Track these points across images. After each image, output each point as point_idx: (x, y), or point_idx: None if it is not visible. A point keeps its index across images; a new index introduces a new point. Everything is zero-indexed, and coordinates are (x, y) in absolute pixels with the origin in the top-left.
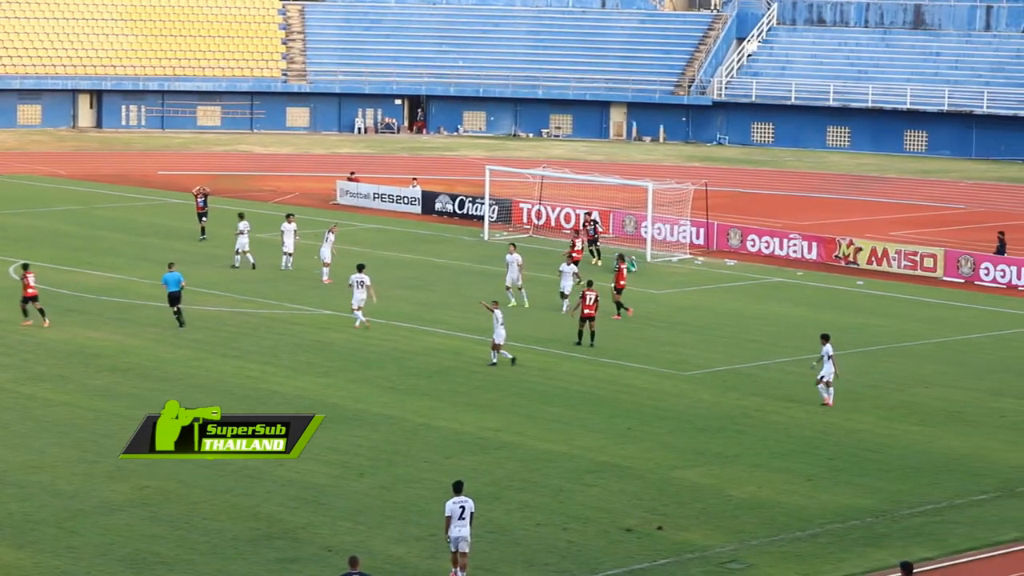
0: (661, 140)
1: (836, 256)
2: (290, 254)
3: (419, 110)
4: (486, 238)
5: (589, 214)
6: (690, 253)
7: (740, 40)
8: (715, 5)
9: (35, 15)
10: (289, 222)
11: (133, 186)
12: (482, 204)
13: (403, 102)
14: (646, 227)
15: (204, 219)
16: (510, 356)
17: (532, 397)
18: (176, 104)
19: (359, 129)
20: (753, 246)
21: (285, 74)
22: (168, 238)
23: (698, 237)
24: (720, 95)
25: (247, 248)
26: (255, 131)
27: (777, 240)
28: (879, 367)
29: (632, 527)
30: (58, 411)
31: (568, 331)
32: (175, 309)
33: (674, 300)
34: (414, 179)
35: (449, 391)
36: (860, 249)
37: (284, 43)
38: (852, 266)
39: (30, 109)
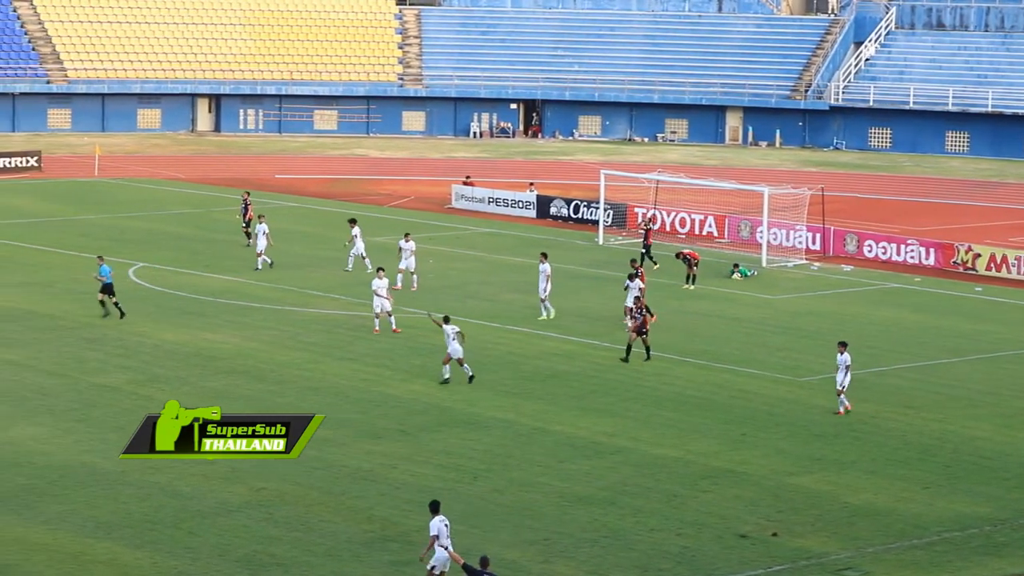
0: (777, 145)
1: (954, 262)
2: (364, 256)
3: (534, 114)
4: (601, 242)
5: (646, 214)
6: (806, 259)
7: (858, 44)
8: (833, 9)
9: (155, 20)
10: (260, 222)
11: (251, 190)
12: (597, 208)
13: (518, 106)
14: (762, 232)
15: (247, 225)
16: (470, 372)
17: (646, 402)
18: (293, 108)
19: (474, 133)
20: (870, 252)
21: (401, 78)
22: (285, 241)
23: (814, 242)
24: (837, 100)
25: (364, 252)
26: (371, 135)
27: (894, 246)
28: (998, 374)
29: (747, 533)
30: None
31: (684, 337)
32: (114, 300)
33: (790, 305)
34: (531, 183)
35: (563, 395)
36: (979, 255)
37: (400, 48)
38: (970, 272)
39: (150, 113)
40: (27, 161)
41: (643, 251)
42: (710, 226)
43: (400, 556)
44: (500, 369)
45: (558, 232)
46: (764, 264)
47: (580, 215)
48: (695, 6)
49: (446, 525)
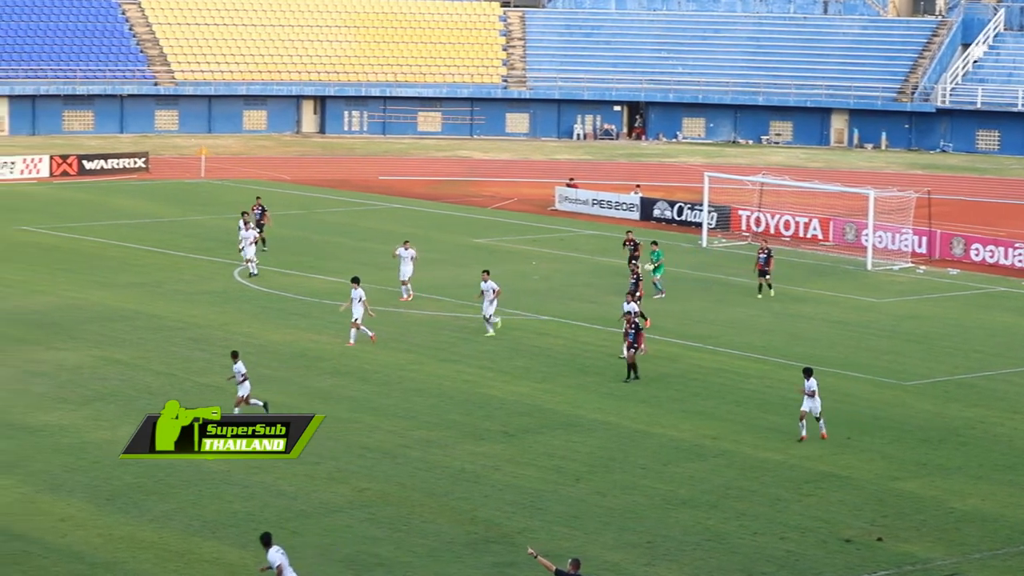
0: (883, 147)
1: None
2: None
3: (638, 116)
4: (704, 245)
5: (630, 233)
6: (912, 262)
7: (965, 46)
8: (940, 10)
9: (261, 23)
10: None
11: (354, 191)
12: (700, 211)
13: (622, 108)
14: (867, 235)
15: (261, 231)
16: (261, 403)
17: (750, 405)
18: (397, 110)
19: (578, 135)
20: (977, 255)
21: (505, 80)
22: (389, 243)
23: (920, 246)
24: (944, 102)
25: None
26: (475, 137)
27: (1002, 249)
28: None
29: (851, 538)
30: (280, 413)
31: (788, 340)
32: None
33: (895, 309)
34: (637, 186)
35: (667, 398)
36: None
37: (504, 49)
38: None
39: (256, 115)
40: (135, 162)
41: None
42: (815, 229)
43: (502, 558)
44: (603, 371)
45: (661, 234)
46: (869, 267)
47: (684, 217)
48: (800, 7)
49: (283, 555)
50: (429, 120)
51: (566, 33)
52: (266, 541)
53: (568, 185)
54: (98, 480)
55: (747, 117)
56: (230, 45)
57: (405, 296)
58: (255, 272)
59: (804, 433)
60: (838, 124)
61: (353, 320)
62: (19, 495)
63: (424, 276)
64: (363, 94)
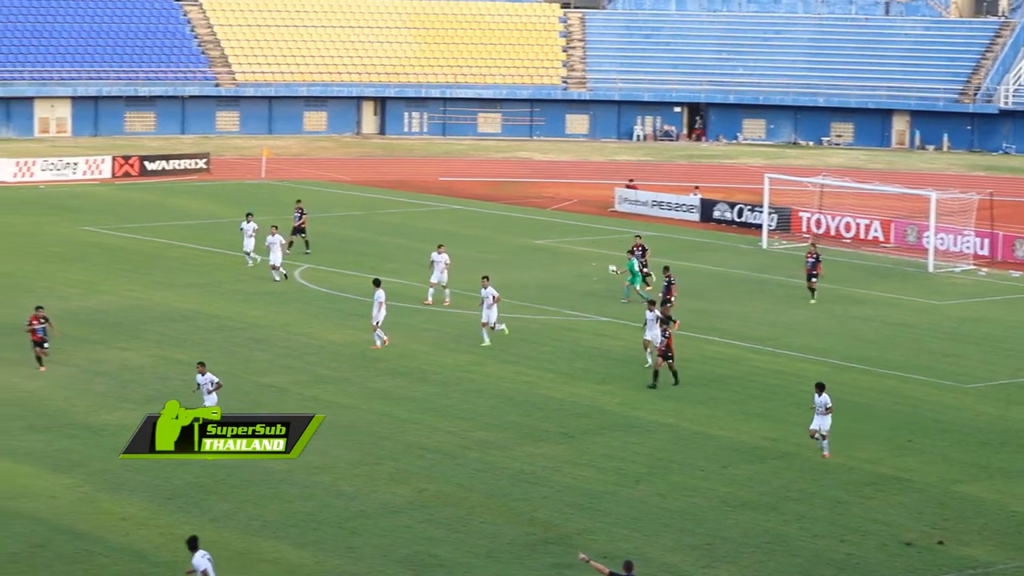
0: (944, 149)
1: None
2: (249, 253)
3: (698, 117)
4: (764, 247)
5: (639, 238)
6: (974, 264)
7: None
8: (1003, 11)
9: (322, 24)
10: (248, 221)
11: (414, 192)
12: (761, 212)
13: (682, 110)
14: (928, 237)
15: (302, 234)
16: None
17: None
18: (457, 111)
19: (638, 136)
20: None
21: (565, 81)
22: (448, 244)
23: (982, 248)
24: (1007, 103)
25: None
26: (535, 138)
27: None
28: None
29: (912, 541)
30: (340, 413)
31: (848, 342)
32: None
33: (957, 311)
34: (696, 187)
35: (725, 400)
36: None
37: (564, 51)
38: None
39: (316, 116)
40: (196, 163)
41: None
42: (876, 230)
43: (561, 559)
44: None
45: (721, 236)
46: (931, 269)
47: (744, 219)
48: (862, 8)
49: (209, 560)
50: (489, 121)
51: (626, 34)
52: (192, 545)
53: (628, 186)
54: (159, 479)
55: (807, 118)
56: (291, 46)
57: (430, 300)
58: (278, 279)
59: (827, 451)
60: (899, 126)
61: (374, 323)
62: (81, 494)
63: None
64: (423, 95)
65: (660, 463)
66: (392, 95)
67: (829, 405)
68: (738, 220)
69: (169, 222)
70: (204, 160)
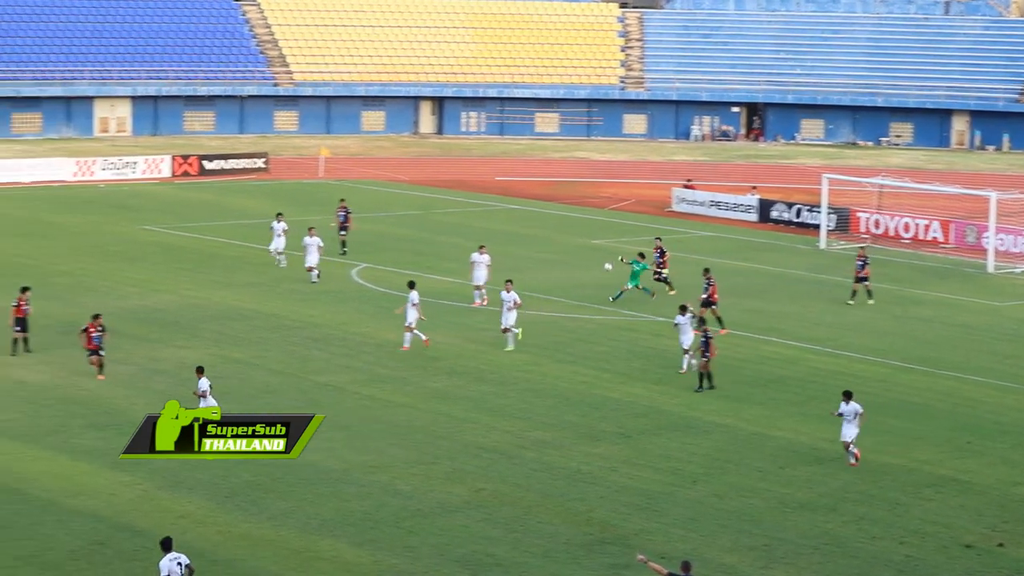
0: (1005, 149)
1: None
2: (280, 252)
3: (756, 117)
4: (822, 247)
5: (659, 240)
6: None
7: None
8: None
9: (380, 24)
10: (279, 221)
11: (471, 192)
12: (819, 213)
13: (740, 109)
14: (988, 238)
15: (344, 233)
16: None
17: (868, 408)
18: (515, 111)
19: (695, 136)
20: None
21: (623, 81)
22: (506, 244)
23: None
24: None
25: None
26: (592, 138)
27: None
28: None
29: (972, 543)
30: (397, 412)
31: (907, 343)
32: None
33: (1017, 312)
34: (754, 187)
35: (783, 400)
36: None
37: (623, 51)
38: None
39: (374, 116)
40: (254, 163)
41: (658, 277)
42: (935, 231)
43: (618, 559)
44: (720, 373)
45: (779, 236)
46: (991, 270)
47: (802, 219)
48: (921, 8)
49: (179, 564)
50: (546, 121)
51: (684, 34)
52: (164, 546)
53: (685, 186)
54: (217, 478)
55: (866, 118)
56: (349, 46)
57: (478, 302)
58: (315, 280)
59: (854, 460)
60: (959, 126)
61: (407, 324)
62: (140, 492)
63: (541, 277)
64: (480, 95)
65: (717, 463)
66: (450, 95)
67: (860, 412)
68: (796, 220)
69: (227, 221)
70: (263, 159)
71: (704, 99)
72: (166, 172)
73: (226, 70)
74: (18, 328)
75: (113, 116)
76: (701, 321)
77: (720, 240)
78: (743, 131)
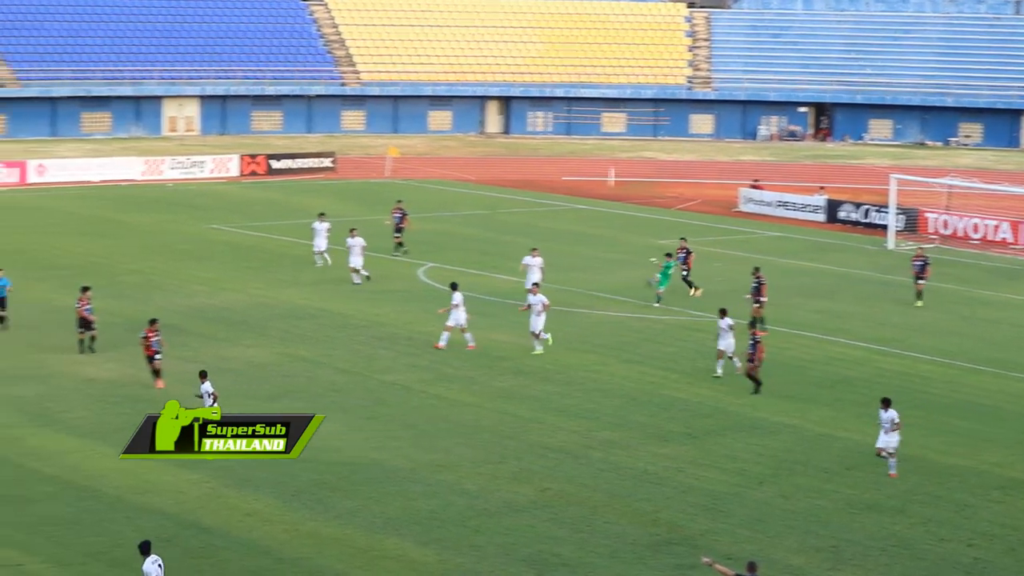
0: None
1: None
2: (321, 252)
3: (824, 117)
4: (890, 247)
5: (684, 240)
6: None
7: None
8: None
9: (447, 24)
10: (321, 221)
11: (538, 191)
12: (887, 213)
13: (808, 109)
14: None
15: (399, 234)
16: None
17: (936, 410)
18: (581, 110)
19: (763, 136)
20: None
21: (690, 81)
22: (573, 244)
23: None
24: None
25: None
26: (659, 138)
27: None
28: None
29: None
30: (464, 412)
31: (976, 344)
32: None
33: None
34: (821, 187)
35: (850, 401)
36: None
37: (690, 50)
38: None
39: (441, 115)
40: (322, 162)
41: (685, 275)
42: (1004, 231)
43: (684, 560)
44: (787, 374)
45: (847, 236)
46: None
47: (870, 219)
48: (992, 7)
49: (159, 566)
50: (613, 121)
51: (752, 34)
52: (143, 549)
53: (753, 186)
54: (283, 476)
55: (935, 119)
56: (416, 46)
57: (527, 305)
58: (359, 281)
59: (895, 471)
60: None
61: (452, 325)
62: (208, 489)
63: (607, 277)
64: (547, 95)
65: (784, 464)
66: (517, 94)
67: (896, 421)
68: (864, 221)
69: (295, 220)
70: (330, 159)
71: (772, 99)
72: (234, 171)
73: (294, 70)
74: (81, 328)
75: (182, 116)
76: (753, 323)
77: (787, 240)
78: (811, 131)
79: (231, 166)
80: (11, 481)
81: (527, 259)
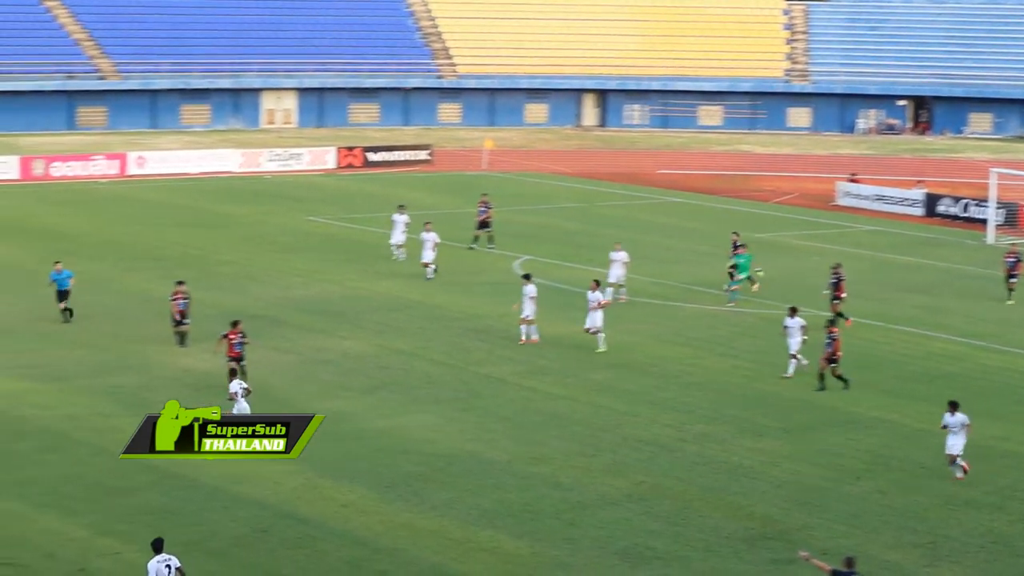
0: None
1: None
2: (399, 246)
3: (923, 111)
4: (990, 242)
5: (736, 235)
6: None
7: None
8: None
9: (543, 16)
10: (400, 213)
11: (634, 184)
12: (987, 207)
13: (907, 103)
14: None
15: (486, 228)
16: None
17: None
18: (678, 103)
19: (861, 130)
20: None
21: (787, 74)
22: (668, 236)
23: None
24: None
25: (401, 242)
26: (755, 131)
27: None
28: None
29: None
30: (559, 404)
31: None
32: (63, 306)
33: None
34: (920, 181)
35: (949, 397)
36: None
37: (788, 43)
38: None
39: (537, 108)
40: (418, 154)
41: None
42: None
43: (780, 554)
44: (884, 369)
45: (946, 231)
46: None
47: (969, 214)
48: None
49: (167, 567)
50: (710, 114)
51: (850, 26)
52: (155, 547)
53: (850, 180)
54: (379, 467)
55: None
56: (512, 38)
57: (622, 298)
58: (431, 276)
59: (961, 474)
60: None
61: (524, 317)
62: (303, 480)
63: (702, 271)
64: (643, 88)
65: (880, 459)
66: (613, 87)
67: (967, 423)
68: (963, 215)
69: (391, 213)
70: (427, 151)
71: (870, 92)
72: (331, 163)
73: (391, 62)
74: (175, 322)
75: (280, 108)
76: (831, 321)
77: (885, 235)
78: (909, 124)
79: (328, 158)
80: (111, 471)
81: (612, 254)
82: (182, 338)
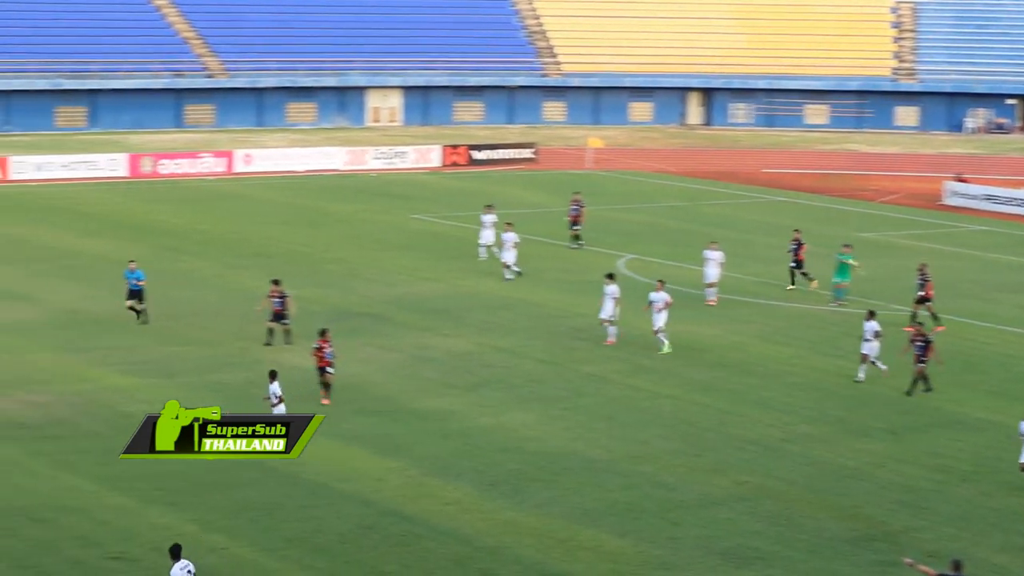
0: None
1: None
2: (488, 245)
3: None
4: None
5: (797, 232)
6: None
7: None
8: None
9: (647, 15)
10: (488, 213)
11: (739, 183)
12: None
13: (1016, 102)
14: None
15: (577, 227)
16: None
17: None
18: (784, 102)
19: (969, 129)
20: None
21: (895, 73)
22: (772, 235)
23: None
24: None
25: (491, 242)
26: (862, 130)
27: None
28: None
29: None
30: (662, 403)
31: None
32: (129, 305)
33: None
34: None
35: None
36: None
37: (895, 42)
38: None
39: (641, 107)
40: (523, 153)
41: (794, 266)
42: None
43: (885, 556)
44: (991, 370)
45: None
46: None
47: None
48: None
49: (189, 572)
50: (816, 113)
51: (959, 24)
52: (173, 553)
53: (957, 180)
54: (483, 466)
55: None
56: (617, 37)
57: (711, 299)
58: (510, 277)
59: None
60: None
61: (603, 317)
62: (408, 478)
63: (810, 271)
64: (749, 86)
65: (988, 461)
66: (718, 86)
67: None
68: None
69: (496, 211)
70: (531, 150)
71: (978, 91)
72: (435, 162)
73: (495, 61)
74: (272, 320)
75: (385, 106)
76: (918, 322)
77: (993, 235)
78: (1019, 124)
79: (433, 156)
80: (217, 467)
81: (707, 252)
82: (276, 336)
